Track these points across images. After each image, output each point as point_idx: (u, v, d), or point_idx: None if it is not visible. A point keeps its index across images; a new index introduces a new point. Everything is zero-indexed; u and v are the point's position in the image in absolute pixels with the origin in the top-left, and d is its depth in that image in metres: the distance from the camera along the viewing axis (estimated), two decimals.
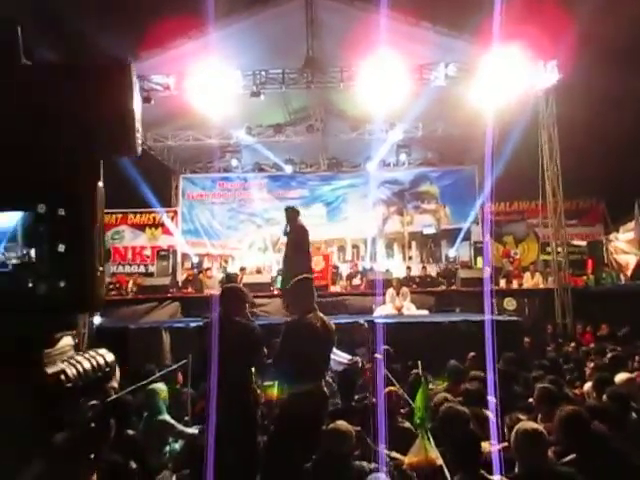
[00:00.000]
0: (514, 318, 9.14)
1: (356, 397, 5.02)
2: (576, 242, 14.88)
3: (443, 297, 11.82)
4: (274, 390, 5.12)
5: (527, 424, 3.01)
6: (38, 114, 1.08)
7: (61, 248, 1.05)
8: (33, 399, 1.06)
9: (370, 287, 11.88)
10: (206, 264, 15.92)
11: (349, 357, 5.98)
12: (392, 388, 4.88)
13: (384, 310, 10.37)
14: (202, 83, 11.35)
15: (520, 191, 15.30)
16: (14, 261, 1.10)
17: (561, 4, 10.66)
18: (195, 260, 16.18)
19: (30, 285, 1.05)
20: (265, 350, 4.20)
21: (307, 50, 12.91)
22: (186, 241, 16.64)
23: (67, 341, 1.18)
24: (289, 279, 8.13)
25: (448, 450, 2.98)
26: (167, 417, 4.80)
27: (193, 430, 4.81)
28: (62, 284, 1.04)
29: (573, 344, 9.00)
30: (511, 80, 10.97)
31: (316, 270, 12.94)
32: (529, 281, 13.40)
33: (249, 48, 11.98)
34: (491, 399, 4.55)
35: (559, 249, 12.07)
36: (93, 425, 1.23)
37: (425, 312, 10.65)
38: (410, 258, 16.39)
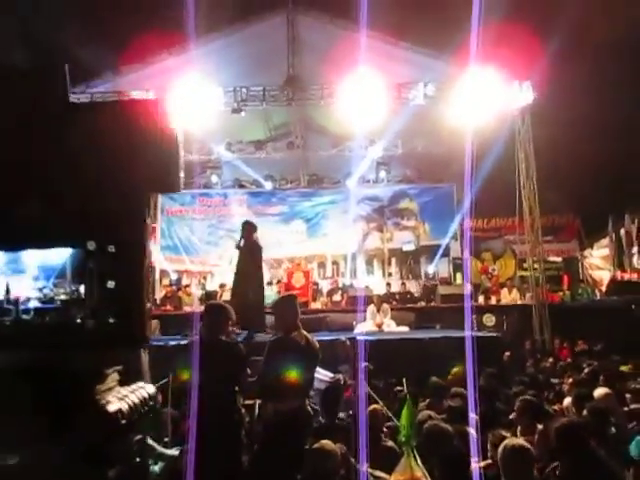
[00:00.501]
0: (494, 334, 9.23)
1: (339, 415, 4.99)
2: (552, 258, 15.12)
3: (423, 314, 11.88)
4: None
5: (514, 440, 3.03)
6: (88, 155, 1.09)
7: (110, 284, 1.06)
8: (91, 436, 1.04)
9: (351, 303, 11.90)
10: (185, 281, 15.75)
11: (331, 375, 5.95)
12: (375, 406, 4.87)
13: (365, 327, 10.38)
14: (183, 99, 11.34)
15: (497, 208, 15.52)
16: (63, 297, 1.12)
17: (535, 27, 10.94)
18: (174, 277, 15.99)
19: (79, 321, 1.05)
20: (247, 369, 4.16)
21: (288, 67, 13.01)
22: (165, 257, 16.45)
23: (114, 376, 1.16)
24: (238, 295, 8.06)
25: (435, 468, 2.98)
26: (147, 439, 4.70)
27: (173, 452, 4.73)
28: (111, 320, 1.06)
29: (551, 359, 9.10)
30: (488, 99, 11.21)
31: (296, 287, 12.93)
32: (507, 297, 13.56)
33: (230, 64, 12.04)
34: (472, 416, 4.57)
35: (536, 265, 12.26)
36: (138, 460, 1.22)
37: (405, 329, 10.67)
38: (390, 274, 16.45)
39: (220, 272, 16.13)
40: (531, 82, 11.37)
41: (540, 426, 4.35)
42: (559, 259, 15.41)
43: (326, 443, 3.31)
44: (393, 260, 16.81)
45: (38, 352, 1.03)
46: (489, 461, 3.56)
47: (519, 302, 12.93)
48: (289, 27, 12.38)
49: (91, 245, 1.06)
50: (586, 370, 6.74)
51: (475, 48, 8.90)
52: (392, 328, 10.45)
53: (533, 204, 11.97)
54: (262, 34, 12.04)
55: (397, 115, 12.23)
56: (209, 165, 15.80)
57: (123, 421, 1.12)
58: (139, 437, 1.25)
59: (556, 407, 5.64)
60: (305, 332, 4.22)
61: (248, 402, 5.15)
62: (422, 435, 3.51)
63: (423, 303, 12.99)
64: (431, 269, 16.07)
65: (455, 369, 6.49)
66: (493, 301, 13.24)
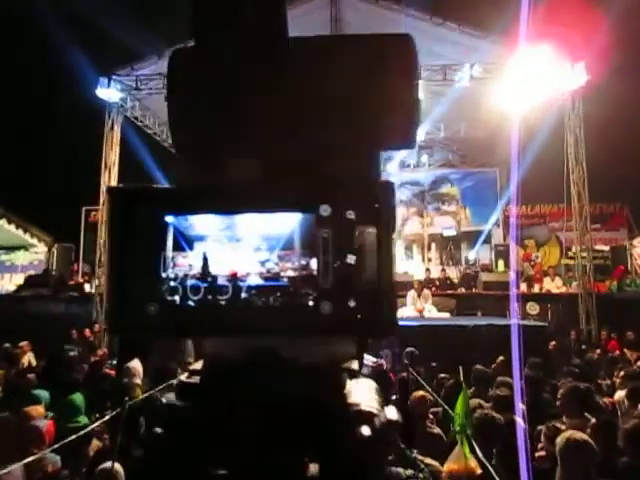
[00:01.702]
0: (540, 323, 9.03)
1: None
2: (599, 247, 14.66)
3: (464, 300, 11.72)
4: None
5: (576, 434, 2.94)
6: (317, 102, 0.92)
7: (350, 259, 0.85)
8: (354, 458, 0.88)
9: None
10: None
11: (374, 359, 5.94)
12: (421, 392, 4.83)
13: (405, 312, 10.31)
14: None
15: (542, 194, 15.11)
16: (290, 273, 0.91)
17: (590, 5, 10.50)
18: None
19: (310, 303, 0.85)
20: None
21: None
22: None
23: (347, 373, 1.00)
24: None
25: (492, 458, 2.92)
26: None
27: None
28: (351, 304, 0.84)
29: (599, 351, 8.85)
30: (537, 81, 10.84)
31: None
32: (550, 285, 13.23)
33: None
34: (520, 406, 4.48)
35: (583, 254, 11.90)
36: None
37: (446, 315, 10.56)
38: (429, 260, 16.28)
39: None
40: (585, 63, 10.91)
41: (590, 417, 4.24)
42: (606, 248, 14.92)
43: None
44: (433, 245, 16.62)
45: (260, 340, 0.88)
46: (542, 453, 3.48)
47: (564, 291, 12.60)
48: (332, 7, 12.22)
49: (325, 210, 0.84)
50: (638, 363, 6.52)
51: (525, 27, 8.60)
52: (433, 314, 10.35)
53: (582, 190, 11.58)
54: (305, 15, 11.92)
55: (441, 98, 11.97)
56: None
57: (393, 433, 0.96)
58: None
59: (606, 400, 5.48)
60: None
61: None
62: (473, 424, 3.44)
63: (463, 289, 12.80)
64: (472, 255, 15.82)
65: (500, 357, 6.39)
66: (536, 289, 12.94)
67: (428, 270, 14.27)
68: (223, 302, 0.86)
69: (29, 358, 8.50)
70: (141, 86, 12.45)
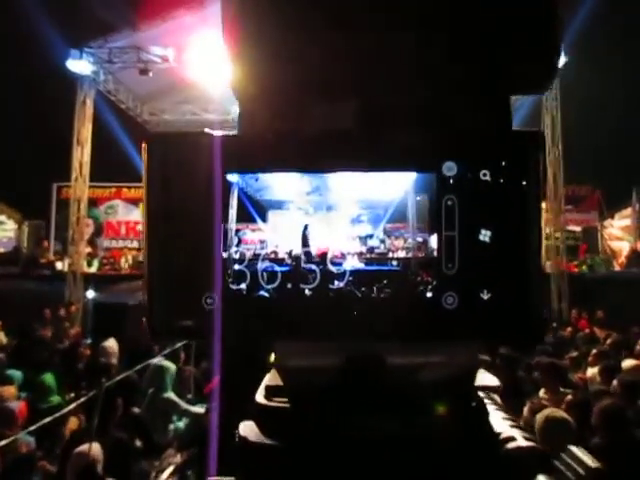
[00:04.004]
0: None
1: None
2: (571, 227, 14.93)
3: None
4: None
5: (556, 412, 2.99)
6: (430, 31, 0.67)
7: (484, 236, 0.63)
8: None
9: None
10: None
11: None
12: None
13: None
14: (201, 56, 11.11)
15: None
16: (401, 254, 0.66)
17: None
18: None
19: (429, 295, 0.64)
20: None
21: None
22: None
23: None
24: None
25: None
26: (172, 395, 4.76)
27: (198, 409, 4.78)
28: (485, 295, 0.62)
29: (569, 329, 9.05)
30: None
31: None
32: None
33: None
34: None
35: (557, 234, 12.10)
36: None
37: None
38: None
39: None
40: (563, 45, 10.96)
41: (565, 393, 4.34)
42: (578, 229, 15.21)
43: None
44: None
45: (362, 345, 0.62)
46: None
47: None
48: None
49: (450, 169, 0.61)
50: (608, 341, 6.68)
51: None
52: None
53: (557, 172, 11.73)
54: None
55: None
56: (226, 125, 15.61)
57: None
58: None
59: (577, 376, 5.61)
60: None
61: None
62: None
63: None
64: None
65: None
66: None
67: None
68: (309, 293, 0.63)
69: (0, 337, 8.33)
70: (114, 59, 12.09)
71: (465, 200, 0.62)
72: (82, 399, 4.07)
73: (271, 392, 0.68)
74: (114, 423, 3.81)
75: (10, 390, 4.05)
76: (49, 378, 4.90)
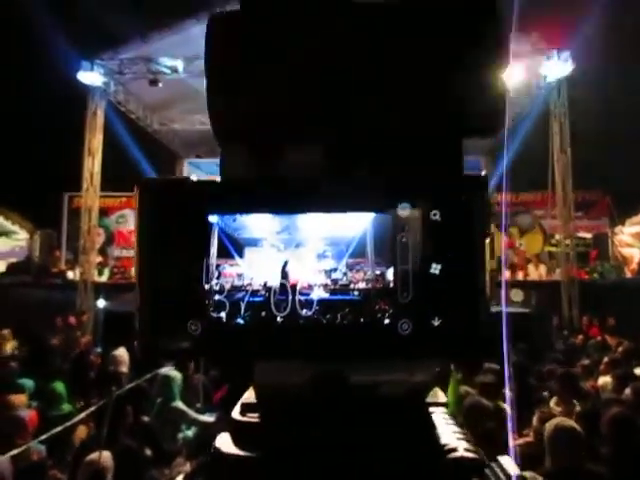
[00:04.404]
0: (524, 310, 9.11)
1: None
2: (582, 234, 14.83)
3: None
4: None
5: (566, 421, 2.97)
6: (389, 78, 0.74)
7: (435, 269, 0.71)
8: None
9: None
10: None
11: None
12: None
13: None
14: None
15: (526, 182, 15.19)
16: (362, 285, 0.79)
17: None
18: None
19: (387, 322, 0.70)
20: None
21: None
22: None
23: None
24: None
25: (476, 444, 2.94)
26: (180, 404, 4.77)
27: (206, 417, 4.79)
28: (436, 322, 0.70)
29: (581, 337, 8.97)
30: (522, 70, 10.84)
31: None
32: (533, 272, 13.38)
33: None
34: (507, 392, 4.52)
35: (567, 241, 12.02)
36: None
37: None
38: None
39: None
40: (570, 51, 10.94)
41: (576, 403, 4.31)
42: (589, 235, 15.10)
43: None
44: None
45: (326, 366, 0.71)
46: (529, 439, 3.52)
47: (547, 278, 12.74)
48: None
49: (404, 209, 0.69)
50: (620, 349, 6.62)
51: (512, 14, 8.58)
52: None
53: (566, 178, 11.67)
54: None
55: None
56: None
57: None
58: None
59: (589, 384, 5.56)
60: None
61: None
62: (463, 410, 3.47)
63: None
64: None
65: None
66: (519, 276, 13.07)
67: None
68: (280, 320, 0.71)
69: (12, 346, 8.39)
70: (124, 70, 12.23)
71: (417, 237, 0.70)
72: (92, 407, 4.09)
73: (246, 408, 0.77)
74: (124, 431, 3.83)
75: (21, 399, 4.09)
76: (60, 386, 4.93)
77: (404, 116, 0.77)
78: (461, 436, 0.77)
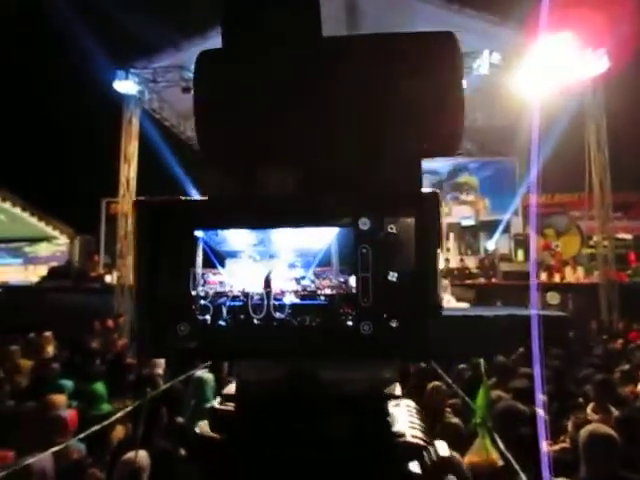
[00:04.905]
0: (561, 313, 8.94)
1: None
2: (621, 235, 14.44)
3: (483, 290, 11.65)
4: None
5: (601, 428, 2.91)
6: (354, 106, 0.84)
7: (392, 277, 0.79)
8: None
9: None
10: None
11: None
12: (436, 382, 4.82)
13: None
14: None
15: (563, 183, 14.90)
16: (328, 291, 0.85)
17: None
18: None
19: (350, 324, 0.80)
20: None
21: None
22: None
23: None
24: None
25: (509, 449, 2.91)
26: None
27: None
28: (394, 324, 0.78)
29: (620, 341, 8.74)
30: (557, 69, 10.65)
31: None
32: (570, 275, 13.09)
33: None
34: (541, 397, 4.45)
35: (605, 243, 11.73)
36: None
37: (465, 305, 10.50)
38: (448, 250, 16.17)
39: None
40: (606, 49, 10.70)
41: (614, 409, 4.21)
42: (629, 236, 14.69)
43: None
44: (451, 235, 16.50)
45: (296, 363, 0.82)
46: (565, 445, 3.46)
47: (585, 280, 12.45)
48: None
49: (364, 224, 0.79)
50: None
51: (545, 13, 8.44)
52: (452, 304, 10.30)
53: (604, 179, 11.39)
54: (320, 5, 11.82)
55: None
56: None
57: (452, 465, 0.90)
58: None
59: (628, 389, 5.42)
60: None
61: None
62: (496, 415, 3.43)
63: (482, 279, 12.71)
64: (491, 245, 15.69)
65: (520, 349, 6.34)
66: (556, 279, 12.81)
67: (447, 260, 14.19)
68: (257, 322, 0.81)
69: (53, 348, 8.65)
70: (158, 78, 12.50)
71: (376, 248, 0.80)
72: (128, 408, 4.19)
73: (224, 399, 0.88)
74: (159, 432, 3.91)
75: (61, 399, 4.22)
76: (100, 387, 5.08)
77: (367, 142, 0.88)
78: (414, 426, 0.87)
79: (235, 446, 0.83)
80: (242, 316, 0.82)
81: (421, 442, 0.83)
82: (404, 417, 0.87)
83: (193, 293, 0.81)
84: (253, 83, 0.89)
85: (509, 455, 2.80)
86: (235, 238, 0.84)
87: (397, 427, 0.83)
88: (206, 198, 0.89)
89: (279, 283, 0.81)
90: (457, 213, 16.65)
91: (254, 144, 0.89)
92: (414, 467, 0.80)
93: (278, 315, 0.81)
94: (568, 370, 5.80)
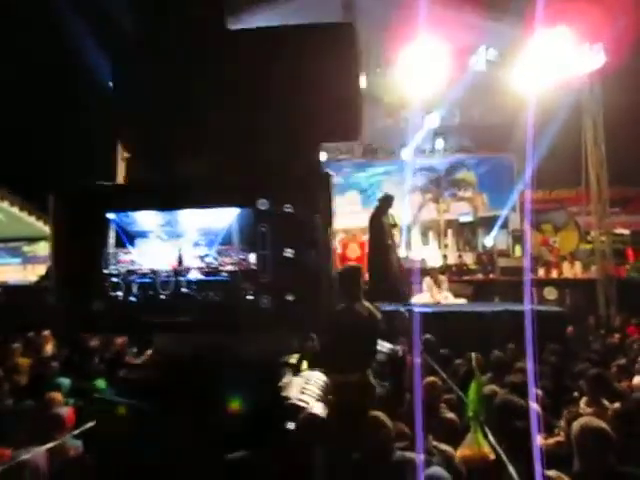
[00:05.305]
0: (557, 309, 8.95)
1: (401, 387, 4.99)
2: (619, 230, 14.45)
3: (481, 286, 11.66)
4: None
5: (594, 421, 2.92)
6: (254, 95, 0.89)
7: (289, 253, 0.85)
8: (288, 446, 0.88)
9: (406, 275, 11.79)
10: None
11: (390, 346, 5.95)
12: (432, 378, 4.84)
13: (422, 299, 10.29)
14: None
15: (560, 178, 14.90)
16: (229, 268, 0.90)
17: None
18: None
19: (250, 297, 0.86)
20: (313, 337, 4.19)
21: None
22: None
23: (290, 367, 1.01)
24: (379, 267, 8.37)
25: (504, 442, 2.92)
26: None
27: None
28: (290, 297, 0.84)
29: (618, 336, 8.75)
30: (554, 64, 10.66)
31: (351, 257, 12.92)
32: (568, 270, 13.11)
33: None
34: (536, 391, 4.47)
35: (602, 238, 11.74)
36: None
37: (463, 301, 10.52)
38: (446, 246, 16.19)
39: None
40: (603, 44, 10.69)
41: (608, 403, 4.23)
42: (627, 232, 14.70)
43: (378, 414, 3.27)
44: (449, 232, 16.52)
45: (201, 335, 0.88)
46: (560, 438, 3.48)
47: (582, 276, 12.47)
48: None
49: (263, 204, 0.84)
50: None
51: (542, 9, 8.44)
52: (450, 300, 10.32)
53: (601, 174, 11.40)
54: (316, 2, 11.81)
55: (455, 83, 11.84)
56: None
57: (322, 424, 0.95)
58: (336, 443, 1.10)
59: (624, 384, 5.44)
60: (367, 303, 4.20)
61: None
62: (493, 409, 3.44)
63: (480, 275, 12.73)
64: (489, 241, 15.69)
65: (510, 345, 6.35)
66: (554, 274, 12.83)
67: (445, 256, 14.20)
68: (164, 297, 0.88)
69: (52, 346, 8.66)
70: None
71: (274, 227, 0.85)
72: None
73: (131, 368, 0.99)
74: None
75: (59, 396, 4.24)
76: (101, 384, 5.10)
77: (268, 127, 0.93)
78: (306, 392, 0.96)
79: (138, 411, 0.89)
80: (151, 292, 0.88)
81: (302, 404, 0.90)
82: (300, 384, 0.95)
83: (105, 272, 0.87)
84: (165, 79, 0.94)
85: (499, 448, 2.82)
86: (144, 219, 0.90)
87: (288, 392, 0.92)
88: (116, 183, 0.96)
89: (185, 261, 0.87)
90: (455, 210, 16.66)
91: (164, 137, 0.95)
92: (289, 425, 0.88)
93: (184, 291, 0.88)
94: (565, 365, 5.82)
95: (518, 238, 14.54)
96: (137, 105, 0.95)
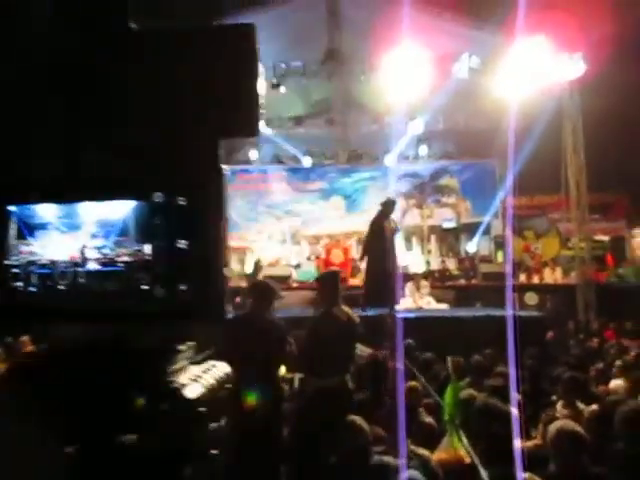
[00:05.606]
0: (536, 314, 9.05)
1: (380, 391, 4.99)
2: (599, 237, 14.65)
3: (463, 292, 11.75)
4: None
5: (569, 424, 2.96)
6: (152, 91, 0.93)
7: (182, 244, 0.87)
8: (165, 427, 0.92)
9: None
10: None
11: (369, 350, 5.97)
12: (413, 382, 4.86)
13: (404, 304, 10.33)
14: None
15: (542, 185, 15.05)
16: (126, 258, 0.93)
17: None
18: None
19: (145, 287, 0.88)
20: (291, 341, 4.19)
21: (328, 42, 12.84)
22: None
23: (186, 354, 1.03)
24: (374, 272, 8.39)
25: (482, 446, 2.94)
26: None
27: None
28: (183, 287, 0.87)
29: (596, 340, 8.86)
30: (535, 72, 10.81)
31: (335, 263, 12.94)
32: (549, 276, 13.25)
33: (269, 40, 11.92)
34: (515, 395, 4.51)
35: (582, 244, 11.90)
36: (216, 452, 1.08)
37: (445, 306, 10.58)
38: (429, 252, 16.27)
39: (259, 248, 16.26)
40: (582, 53, 10.88)
41: (583, 406, 4.28)
42: (606, 238, 14.91)
43: (355, 419, 3.27)
44: (433, 237, 16.59)
45: (97, 324, 0.90)
46: (538, 441, 3.51)
47: (562, 281, 12.62)
48: (329, 0, 12.17)
49: (158, 197, 0.87)
50: (632, 353, 6.54)
51: (522, 17, 8.55)
52: (432, 306, 10.37)
53: (580, 180, 11.57)
54: (302, 8, 11.88)
55: (439, 90, 11.95)
56: (248, 141, 15.80)
57: (202, 408, 0.98)
58: (216, 425, 1.10)
59: (602, 388, 5.51)
60: (346, 308, 4.21)
61: (287, 375, 5.21)
62: (473, 413, 3.46)
63: (463, 281, 12.82)
64: (472, 247, 15.79)
65: (487, 350, 6.39)
66: (535, 280, 12.96)
67: (428, 262, 14.27)
68: (63, 287, 0.91)
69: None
70: None
71: (168, 219, 0.87)
72: None
73: (26, 357, 1.26)
74: None
75: None
76: None
77: (165, 123, 0.96)
78: (196, 379, 0.99)
79: (36, 396, 0.91)
80: (49, 282, 0.91)
81: (178, 387, 0.94)
82: (194, 372, 0.99)
83: (6, 262, 0.90)
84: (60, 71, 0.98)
85: (472, 452, 2.84)
86: (44, 212, 0.92)
87: (174, 377, 0.95)
88: (16, 178, 0.97)
89: (84, 252, 0.90)
90: (439, 215, 16.74)
91: (59, 130, 0.96)
92: (164, 406, 0.92)
93: (82, 281, 0.91)
94: (543, 369, 5.87)
95: (500, 244, 14.65)
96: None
